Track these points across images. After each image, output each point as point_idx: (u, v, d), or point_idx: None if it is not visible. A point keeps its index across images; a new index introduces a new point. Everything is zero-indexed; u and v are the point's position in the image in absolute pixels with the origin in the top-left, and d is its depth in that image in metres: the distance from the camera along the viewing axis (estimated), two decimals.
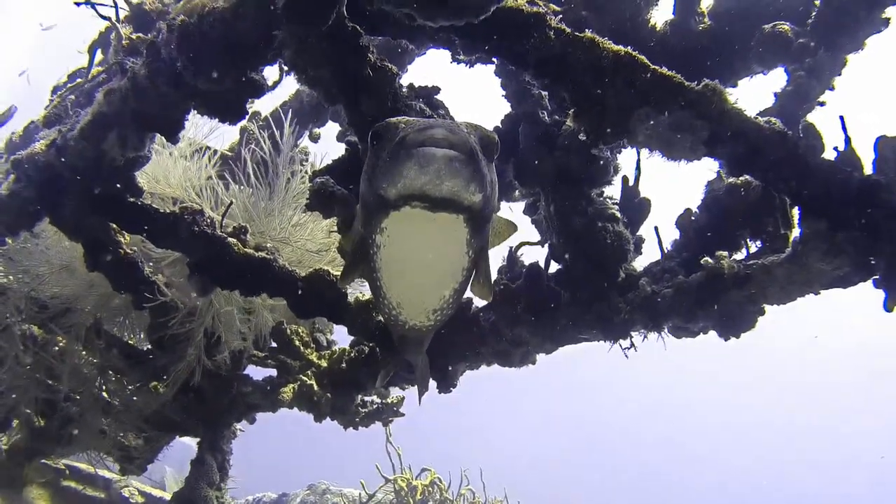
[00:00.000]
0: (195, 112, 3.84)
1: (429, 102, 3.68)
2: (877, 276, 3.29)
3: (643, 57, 3.12)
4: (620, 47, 3.12)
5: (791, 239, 3.53)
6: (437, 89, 3.80)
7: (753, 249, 3.87)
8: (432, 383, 4.28)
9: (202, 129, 5.11)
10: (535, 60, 3.17)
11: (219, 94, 3.66)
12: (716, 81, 3.13)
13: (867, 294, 3.36)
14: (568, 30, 3.15)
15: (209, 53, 3.45)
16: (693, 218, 4.04)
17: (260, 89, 3.78)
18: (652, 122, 3.15)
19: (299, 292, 4.21)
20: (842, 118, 3.56)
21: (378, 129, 2.00)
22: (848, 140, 3.46)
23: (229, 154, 5.43)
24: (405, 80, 3.70)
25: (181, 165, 4.97)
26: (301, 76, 3.36)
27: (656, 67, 3.12)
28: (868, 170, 3.33)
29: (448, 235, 2.08)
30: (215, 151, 5.19)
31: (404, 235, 2.09)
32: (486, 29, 3.08)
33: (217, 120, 3.84)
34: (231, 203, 4.63)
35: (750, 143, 3.16)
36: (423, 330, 2.78)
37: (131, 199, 4.34)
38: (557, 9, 3.96)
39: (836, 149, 3.37)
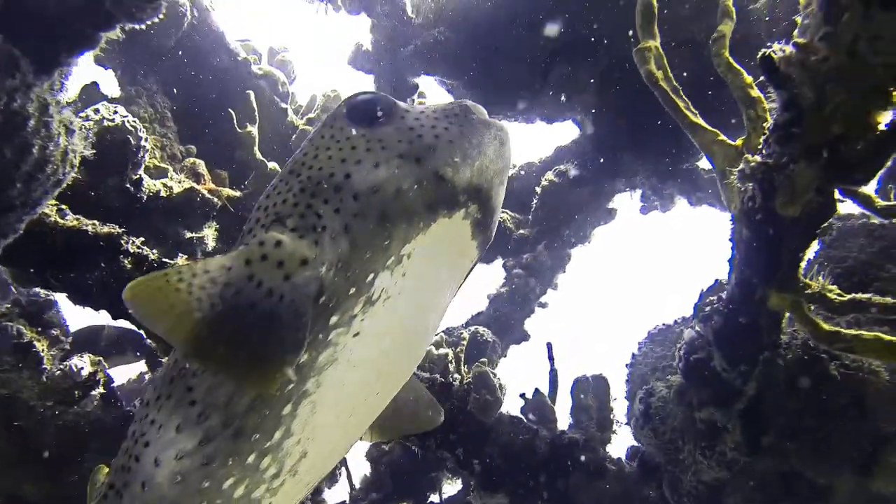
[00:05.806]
0: None
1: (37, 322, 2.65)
2: None
3: None
4: None
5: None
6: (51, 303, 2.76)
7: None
8: None
9: None
10: (106, 302, 2.17)
11: None
12: None
13: None
14: (153, 255, 2.17)
15: None
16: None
17: None
18: None
19: None
20: (549, 345, 2.71)
21: (382, 98, 1.26)
22: (554, 373, 2.61)
23: None
24: None
25: None
26: None
27: None
28: (564, 421, 2.49)
29: (455, 281, 1.25)
30: None
31: (429, 268, 1.13)
32: None
33: None
34: None
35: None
36: None
37: None
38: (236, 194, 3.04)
39: (522, 395, 2.49)
